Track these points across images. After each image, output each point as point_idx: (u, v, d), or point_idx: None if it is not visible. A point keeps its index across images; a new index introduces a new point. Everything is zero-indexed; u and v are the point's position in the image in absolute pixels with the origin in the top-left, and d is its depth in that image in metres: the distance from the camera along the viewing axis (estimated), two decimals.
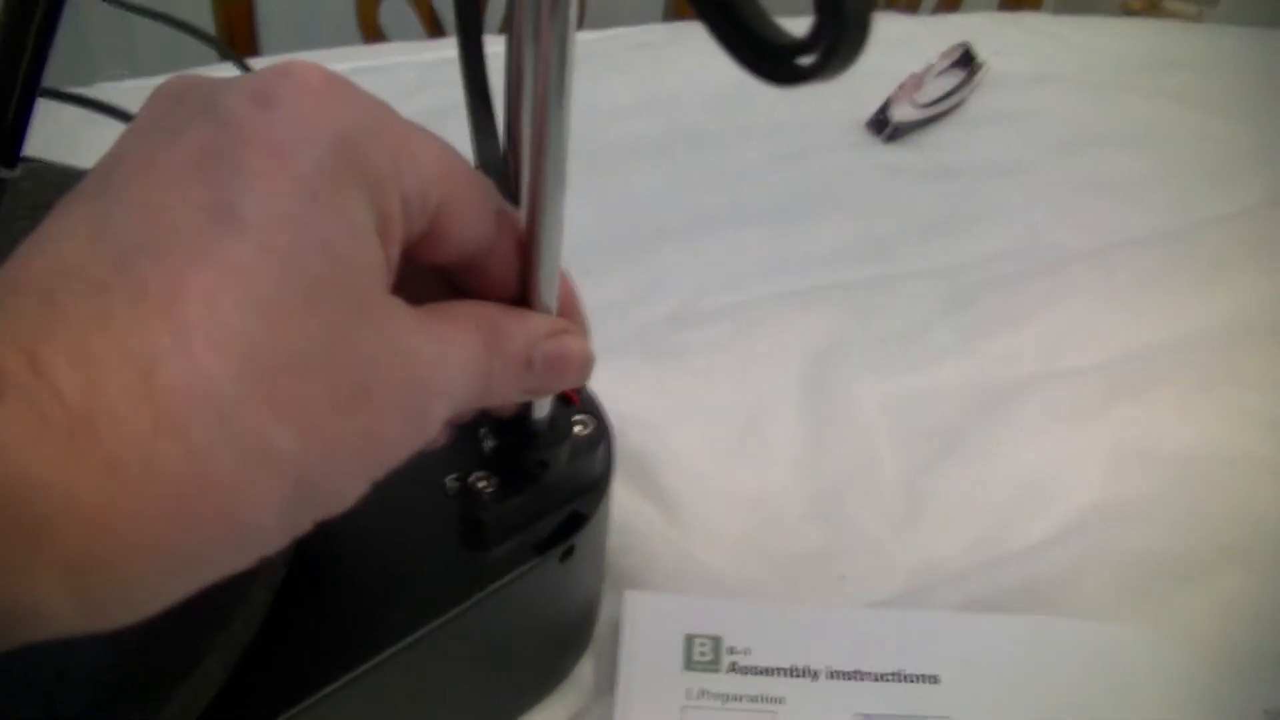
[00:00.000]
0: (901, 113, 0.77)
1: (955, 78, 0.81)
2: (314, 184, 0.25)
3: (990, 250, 0.67)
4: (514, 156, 0.32)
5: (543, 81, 0.29)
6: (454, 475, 0.37)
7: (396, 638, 0.35)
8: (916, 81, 0.78)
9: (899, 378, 0.58)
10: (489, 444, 0.37)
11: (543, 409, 0.36)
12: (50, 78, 0.38)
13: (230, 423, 0.23)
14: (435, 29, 1.08)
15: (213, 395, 0.22)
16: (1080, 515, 0.52)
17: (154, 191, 0.24)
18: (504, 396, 0.32)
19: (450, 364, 0.28)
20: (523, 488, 0.37)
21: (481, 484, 0.36)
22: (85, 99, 0.49)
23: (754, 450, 0.54)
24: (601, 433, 0.39)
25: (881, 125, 0.76)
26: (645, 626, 0.45)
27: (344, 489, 0.26)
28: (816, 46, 0.23)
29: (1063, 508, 0.52)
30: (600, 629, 0.46)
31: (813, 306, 0.62)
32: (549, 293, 0.33)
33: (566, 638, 0.45)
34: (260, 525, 0.24)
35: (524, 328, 0.31)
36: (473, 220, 0.30)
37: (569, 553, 0.38)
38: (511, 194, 0.33)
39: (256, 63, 0.86)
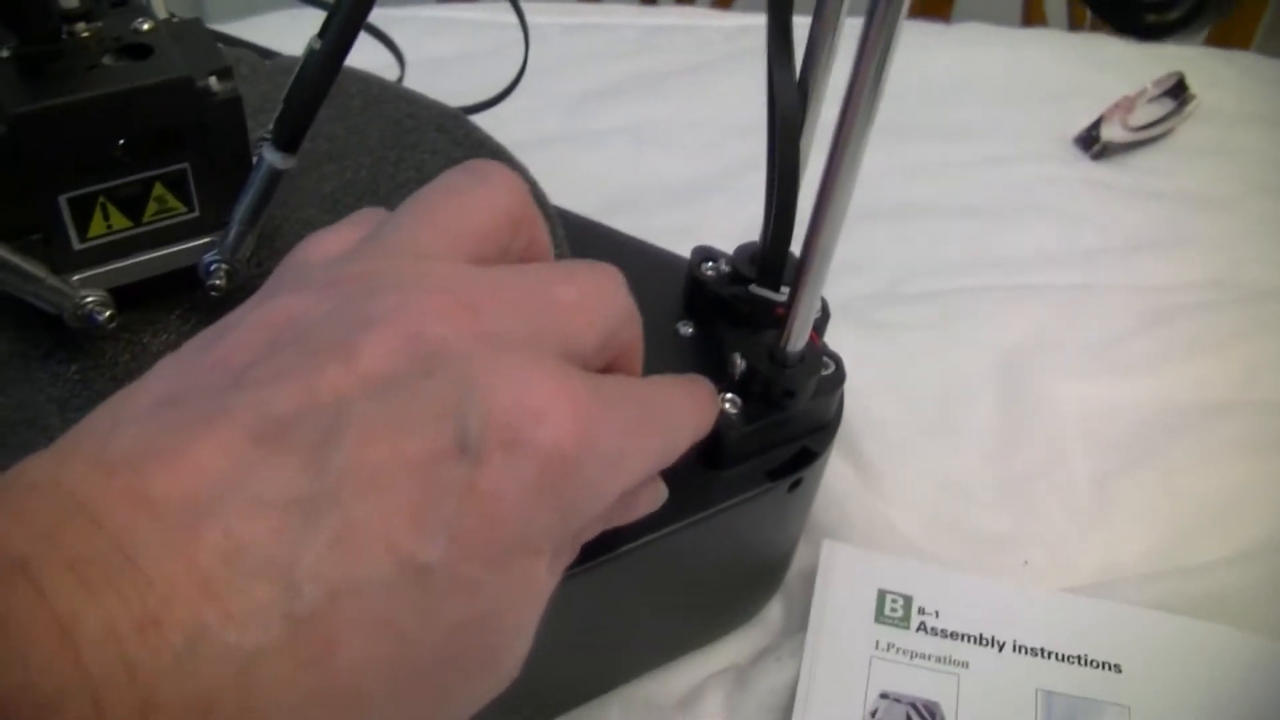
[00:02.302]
0: (1111, 132, 0.77)
1: (1166, 106, 0.81)
2: (509, 552, 0.24)
3: (1191, 276, 0.67)
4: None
5: (868, 60, 0.30)
6: None
7: (627, 539, 0.36)
8: (1129, 104, 0.78)
9: (1095, 383, 0.58)
10: (741, 367, 0.38)
11: (798, 342, 0.38)
12: None
13: None
14: None
15: None
16: (1265, 541, 0.52)
17: (361, 509, 0.22)
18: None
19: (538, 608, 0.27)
20: (767, 415, 0.38)
21: (728, 405, 0.38)
22: None
23: (950, 430, 0.55)
24: (841, 375, 0.40)
25: (1090, 142, 0.77)
26: (841, 576, 0.46)
27: None
28: (1171, 6, 0.25)
29: (1248, 531, 0.52)
30: (791, 575, 0.48)
31: (1014, 304, 0.62)
32: (829, 242, 0.34)
33: (765, 574, 0.46)
34: None
35: None
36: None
37: (796, 485, 0.40)
38: (796, 130, 0.35)
39: (474, 9, 0.88)
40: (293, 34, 0.71)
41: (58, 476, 0.22)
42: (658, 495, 0.34)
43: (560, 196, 0.50)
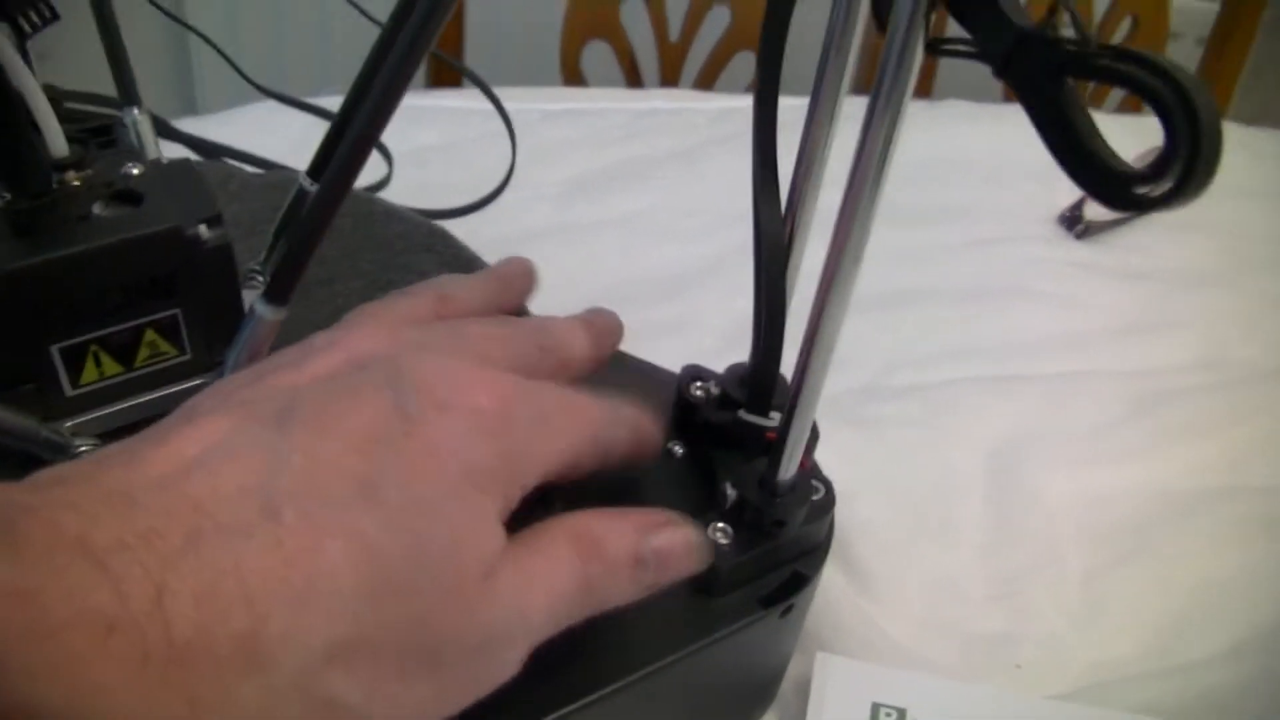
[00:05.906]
0: (1095, 211, 0.77)
1: None
2: (458, 484, 0.28)
3: (1181, 358, 0.67)
4: (790, 225, 0.36)
5: (864, 168, 0.31)
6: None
7: (620, 674, 0.36)
8: None
9: (1086, 474, 0.59)
10: (731, 497, 0.38)
11: (789, 471, 0.38)
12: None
13: (308, 678, 0.25)
14: (635, 79, 1.12)
15: (305, 654, 0.25)
16: (1261, 632, 0.52)
17: (322, 448, 0.27)
18: (617, 598, 0.33)
19: (535, 597, 0.30)
20: (758, 543, 0.38)
21: (719, 535, 0.38)
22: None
23: (940, 528, 0.55)
24: (831, 500, 0.40)
25: (1074, 221, 0.77)
26: (834, 690, 0.46)
27: None
28: (1159, 179, 0.25)
29: (1245, 622, 0.52)
30: (784, 687, 0.48)
31: (1002, 394, 0.63)
32: (819, 373, 0.35)
33: (758, 691, 0.46)
34: None
35: (624, 526, 0.33)
36: (599, 465, 0.34)
37: (788, 610, 0.40)
38: (783, 261, 0.36)
39: (457, 97, 0.89)
40: (281, 126, 0.72)
41: (91, 473, 0.26)
42: (698, 543, 0.36)
43: (550, 295, 0.50)
